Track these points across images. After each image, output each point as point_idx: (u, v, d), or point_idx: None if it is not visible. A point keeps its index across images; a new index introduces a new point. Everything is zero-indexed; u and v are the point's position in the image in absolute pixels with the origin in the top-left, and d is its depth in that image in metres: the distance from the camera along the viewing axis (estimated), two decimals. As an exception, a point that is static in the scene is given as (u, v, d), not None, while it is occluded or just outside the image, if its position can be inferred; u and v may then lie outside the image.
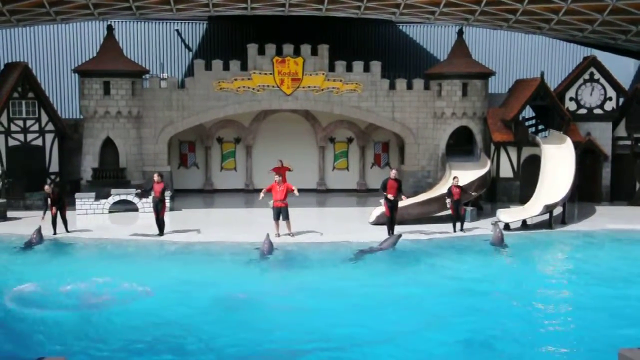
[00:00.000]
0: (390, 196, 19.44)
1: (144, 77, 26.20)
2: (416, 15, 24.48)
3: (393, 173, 19.96)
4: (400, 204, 19.96)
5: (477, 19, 24.13)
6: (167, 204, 21.47)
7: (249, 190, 28.14)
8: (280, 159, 24.93)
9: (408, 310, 13.49)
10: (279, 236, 19.27)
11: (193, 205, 25.09)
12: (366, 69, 26.62)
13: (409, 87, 26.82)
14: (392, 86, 26.77)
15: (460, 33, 27.31)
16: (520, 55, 33.39)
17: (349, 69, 26.53)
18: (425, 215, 21.86)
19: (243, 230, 20.27)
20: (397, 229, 19.59)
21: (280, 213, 19.49)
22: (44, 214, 19.45)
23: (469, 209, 21.89)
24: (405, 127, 26.76)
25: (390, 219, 19.66)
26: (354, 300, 13.89)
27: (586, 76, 26.38)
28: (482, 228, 20.78)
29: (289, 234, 19.48)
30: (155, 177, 19.92)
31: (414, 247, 18.71)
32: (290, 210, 19.64)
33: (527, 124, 27.23)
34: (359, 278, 15.71)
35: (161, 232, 19.61)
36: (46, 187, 19.99)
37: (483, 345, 11.75)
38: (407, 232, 19.80)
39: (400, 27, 32.64)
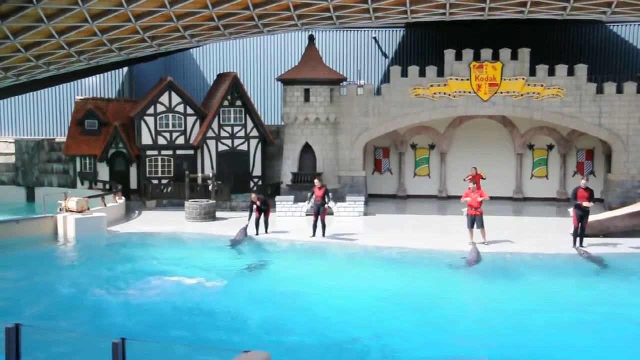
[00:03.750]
0: (585, 203, 18.43)
1: (341, 84, 26.97)
2: (631, 13, 22.67)
3: (583, 182, 18.90)
4: (607, 214, 18.68)
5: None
6: (333, 207, 22.23)
7: (442, 197, 27.83)
8: (474, 166, 24.38)
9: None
10: (473, 244, 18.88)
11: (386, 210, 25.31)
12: (570, 72, 25.21)
13: (619, 90, 24.97)
14: (599, 90, 25.09)
15: (680, 31, 24.94)
16: None
17: (551, 72, 25.28)
18: (634, 228, 20.14)
19: (437, 237, 20.13)
20: (604, 241, 18.33)
21: (475, 221, 19.07)
22: (249, 218, 20.74)
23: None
24: (614, 133, 24.92)
25: (579, 230, 18.59)
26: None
27: None
28: None
29: (483, 243, 18.98)
30: (317, 182, 20.57)
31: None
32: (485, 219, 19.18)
33: None
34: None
35: (314, 233, 20.19)
36: (253, 195, 21.31)
37: None
38: (612, 245, 18.47)
39: (611, 27, 30.48)
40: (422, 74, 26.09)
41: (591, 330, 12.56)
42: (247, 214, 21.04)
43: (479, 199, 19.17)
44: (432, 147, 28.34)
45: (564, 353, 11.62)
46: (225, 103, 26.92)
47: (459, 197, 26.09)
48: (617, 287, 15.58)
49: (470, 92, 25.64)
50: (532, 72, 25.33)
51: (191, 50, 32.66)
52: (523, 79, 25.27)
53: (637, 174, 24.74)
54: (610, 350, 11.76)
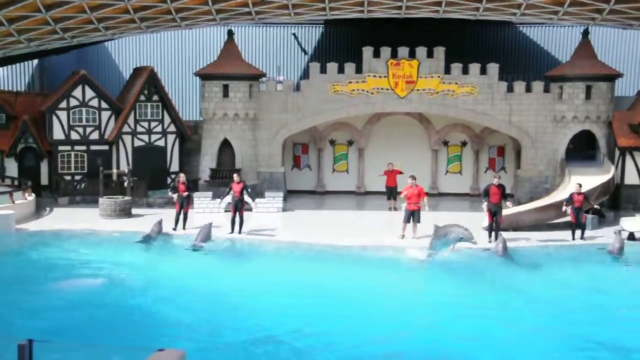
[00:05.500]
0: (488, 204, 19.14)
1: (261, 80, 26.88)
2: (538, 15, 23.62)
3: (496, 180, 19.50)
4: (515, 209, 19.37)
5: (605, 18, 22.93)
6: (252, 203, 22.61)
7: (360, 193, 28.22)
8: (391, 162, 24.84)
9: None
10: (403, 238, 19.34)
11: (304, 206, 25.43)
12: (483, 71, 26.01)
13: (528, 89, 25.97)
14: (509, 89, 26.01)
15: (585, 33, 26.13)
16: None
17: (465, 71, 26.01)
18: (541, 222, 21.04)
19: (355, 233, 20.38)
20: (513, 235, 18.99)
21: (413, 215, 19.43)
22: (174, 197, 20.64)
23: (589, 216, 20.87)
24: (523, 130, 25.90)
25: (493, 225, 19.25)
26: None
27: None
28: (604, 237, 19.77)
29: (413, 237, 19.38)
30: (235, 177, 20.49)
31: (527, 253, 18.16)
32: (400, 214, 19.58)
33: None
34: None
35: (232, 229, 20.13)
36: (182, 175, 21.09)
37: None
38: (522, 239, 19.18)
39: (520, 28, 31.65)
40: (340, 70, 26.33)
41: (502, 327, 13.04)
42: (163, 210, 20.69)
43: (425, 199, 19.49)
44: (350, 143, 28.67)
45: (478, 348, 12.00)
46: (142, 98, 26.34)
47: (376, 193, 26.71)
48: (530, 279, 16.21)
49: (387, 89, 26.07)
50: (447, 71, 26.00)
51: (106, 43, 31.79)
52: (438, 77, 25.91)
53: (545, 170, 25.78)
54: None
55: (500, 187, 19.35)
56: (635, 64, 31.43)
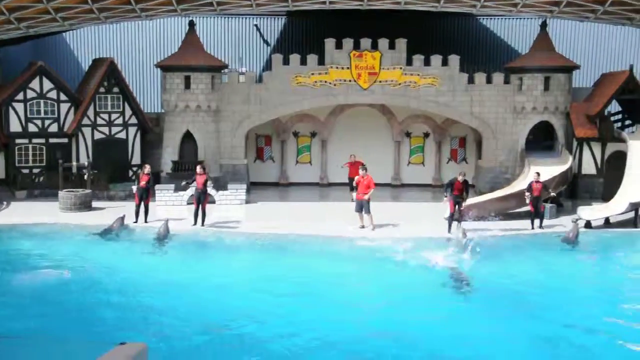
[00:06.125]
0: (450, 196, 19.48)
1: (223, 71, 26.68)
2: (498, 7, 23.91)
3: (461, 177, 19.69)
4: (478, 199, 19.70)
5: (562, 11, 23.32)
6: (216, 195, 22.65)
7: (323, 184, 28.28)
8: (353, 153, 24.92)
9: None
10: (362, 228, 19.51)
11: (268, 198, 25.37)
12: (444, 63, 26.22)
13: (488, 81, 26.26)
14: (470, 80, 26.28)
15: (543, 25, 26.52)
16: (607, 48, 32.07)
17: (427, 63, 26.19)
18: (502, 211, 21.36)
19: (318, 224, 20.42)
20: (475, 225, 19.28)
21: (362, 206, 19.53)
22: (136, 185, 20.68)
23: (548, 205, 21.26)
24: (484, 121, 26.22)
25: (455, 215, 19.57)
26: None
27: (678, 69, 25.14)
28: (562, 225, 20.17)
29: (370, 227, 19.51)
30: (198, 169, 20.43)
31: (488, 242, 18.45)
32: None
33: (612, 119, 26.17)
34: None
35: (196, 222, 20.03)
36: (147, 166, 20.96)
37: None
38: (482, 229, 19.47)
39: (480, 20, 31.98)
40: (303, 62, 26.28)
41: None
42: (126, 203, 20.52)
43: (370, 190, 19.59)
44: (313, 135, 28.68)
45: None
46: (102, 89, 25.92)
47: (340, 184, 26.77)
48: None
49: (350, 81, 26.13)
50: (409, 62, 26.14)
51: (64, 33, 31.19)
52: (400, 68, 26.04)
53: (505, 161, 26.14)
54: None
55: (464, 183, 19.62)
56: (592, 55, 32.03)
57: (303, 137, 28.74)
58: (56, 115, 25.55)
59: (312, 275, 15.50)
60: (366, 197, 19.56)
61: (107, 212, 21.55)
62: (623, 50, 31.85)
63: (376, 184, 20.69)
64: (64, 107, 25.62)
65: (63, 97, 25.60)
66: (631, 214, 20.37)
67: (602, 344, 11.80)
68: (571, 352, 11.56)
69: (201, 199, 20.04)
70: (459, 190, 19.53)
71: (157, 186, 23.67)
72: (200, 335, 11.90)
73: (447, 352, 11.39)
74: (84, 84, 27.19)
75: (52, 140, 25.56)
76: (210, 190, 20.73)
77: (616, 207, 20.36)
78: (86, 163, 23.98)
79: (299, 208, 23.60)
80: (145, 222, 20.38)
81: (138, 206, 20.34)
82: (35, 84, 25.30)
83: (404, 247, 17.21)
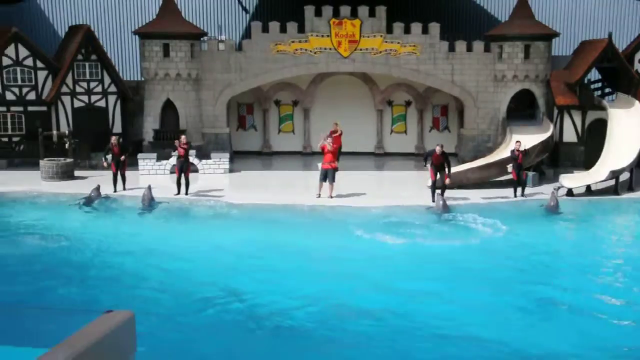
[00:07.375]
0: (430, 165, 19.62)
1: (202, 39, 26.36)
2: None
3: (438, 149, 19.62)
4: (461, 167, 19.80)
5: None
6: (199, 164, 22.63)
7: (306, 153, 28.23)
8: (336, 122, 24.83)
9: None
10: (319, 197, 19.58)
11: (251, 167, 25.31)
12: (425, 31, 26.10)
13: (469, 49, 26.21)
14: (451, 48, 26.21)
15: (523, -7, 26.48)
16: (586, 16, 32.19)
17: (407, 30, 26.04)
18: (484, 179, 21.57)
19: (301, 192, 20.46)
20: (457, 193, 19.41)
21: (327, 175, 19.58)
22: (104, 161, 20.82)
23: (530, 173, 21.48)
24: (465, 90, 26.27)
25: (435, 183, 19.65)
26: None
27: (657, 37, 25.31)
28: (544, 193, 20.42)
29: (329, 197, 19.61)
30: (182, 139, 20.35)
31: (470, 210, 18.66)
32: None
33: (592, 87, 26.38)
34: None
35: (179, 191, 20.05)
36: (113, 138, 20.80)
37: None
38: (465, 197, 19.65)
39: (461, -13, 31.87)
40: (283, 30, 26.02)
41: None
42: (109, 172, 20.51)
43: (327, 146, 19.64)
44: (295, 103, 28.55)
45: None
46: (79, 57, 25.48)
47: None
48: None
49: (330, 49, 25.95)
50: (390, 30, 26.00)
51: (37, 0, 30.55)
52: (381, 36, 25.90)
53: (487, 129, 26.25)
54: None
55: (443, 154, 19.56)
56: (571, 23, 32.13)
57: (285, 105, 28.59)
58: (34, 83, 25.12)
59: (299, 243, 15.58)
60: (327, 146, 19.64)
61: (90, 181, 21.37)
62: (602, 19, 32.00)
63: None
64: (42, 74, 25.17)
65: (40, 64, 25.15)
66: (612, 182, 20.65)
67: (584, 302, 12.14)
68: (554, 312, 11.85)
69: (184, 168, 19.97)
70: (438, 162, 19.58)
71: (139, 155, 23.54)
72: (184, 303, 11.95)
73: (428, 323, 11.42)
74: (61, 51, 26.69)
75: (30, 108, 25.15)
76: (193, 159, 20.62)
77: (597, 175, 20.63)
78: (67, 132, 23.69)
79: (282, 177, 23.62)
80: (124, 189, 20.37)
81: (115, 174, 20.46)
82: (10, 51, 24.80)
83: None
